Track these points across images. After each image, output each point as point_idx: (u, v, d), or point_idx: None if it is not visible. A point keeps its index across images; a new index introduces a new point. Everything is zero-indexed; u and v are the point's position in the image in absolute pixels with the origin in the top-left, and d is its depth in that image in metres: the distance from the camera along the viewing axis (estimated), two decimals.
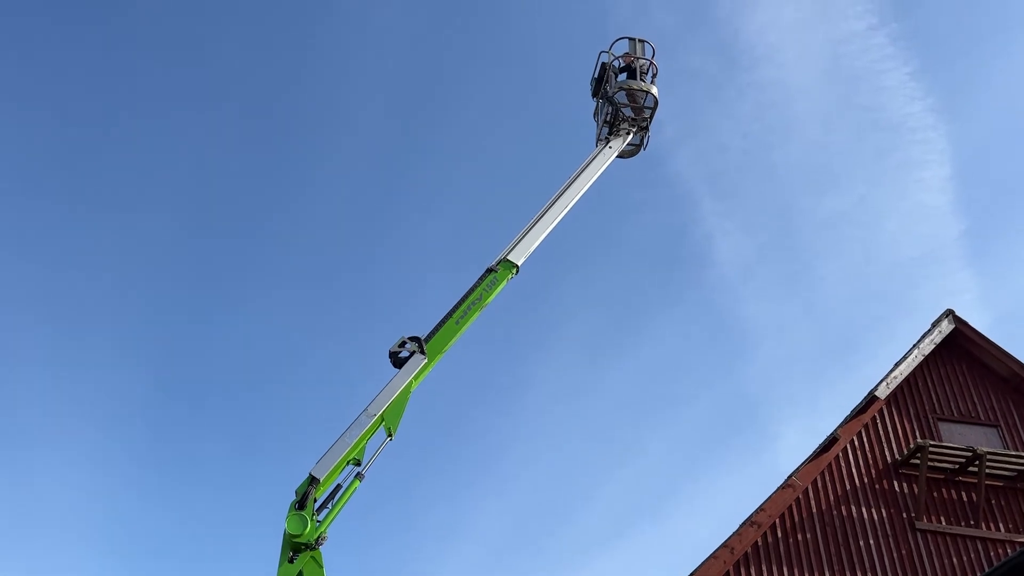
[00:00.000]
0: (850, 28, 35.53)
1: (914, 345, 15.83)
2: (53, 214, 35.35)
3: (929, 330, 16.05)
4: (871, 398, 15.05)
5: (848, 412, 15.06)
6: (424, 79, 38.52)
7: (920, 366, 15.79)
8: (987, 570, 11.52)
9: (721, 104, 38.43)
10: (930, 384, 15.78)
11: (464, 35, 38.34)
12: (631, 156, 15.73)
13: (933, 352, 15.95)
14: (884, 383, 15.20)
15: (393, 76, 38.19)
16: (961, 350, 16.23)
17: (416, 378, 10.92)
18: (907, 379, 15.58)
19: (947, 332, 16.05)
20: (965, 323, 16.15)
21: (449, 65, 38.52)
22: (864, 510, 14.05)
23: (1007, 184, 40.11)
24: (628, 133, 15.20)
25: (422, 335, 11.21)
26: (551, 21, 36.62)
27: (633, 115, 15.43)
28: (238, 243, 38.15)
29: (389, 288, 38.22)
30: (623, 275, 39.60)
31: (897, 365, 15.47)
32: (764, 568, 13.24)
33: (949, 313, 16.21)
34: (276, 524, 9.83)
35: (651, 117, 15.45)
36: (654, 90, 15.39)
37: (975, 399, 15.68)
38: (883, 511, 14.06)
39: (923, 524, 13.91)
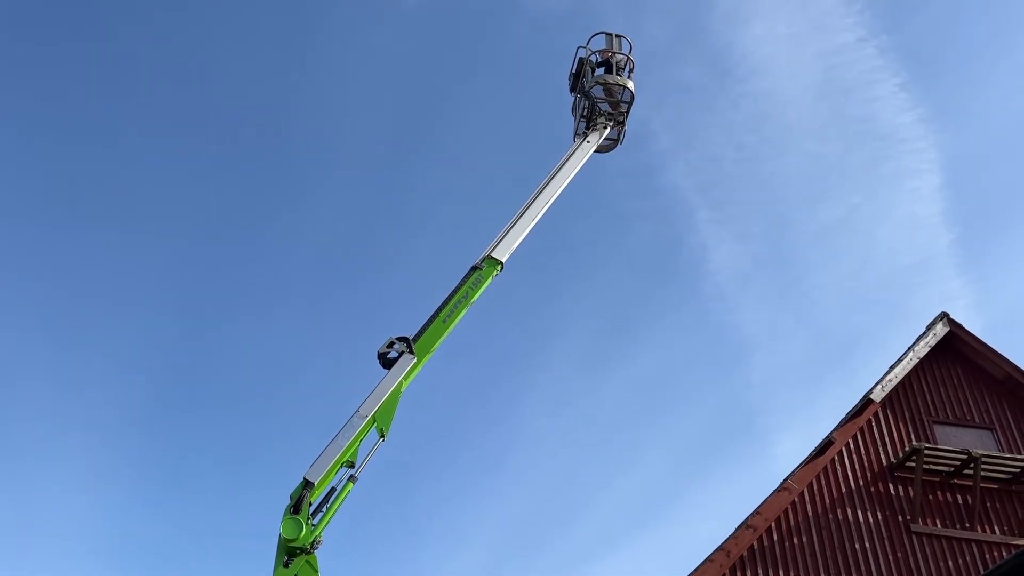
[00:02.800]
0: (841, 40, 35.89)
1: (909, 348, 15.82)
2: (51, 226, 35.39)
3: (924, 333, 16.04)
4: (866, 401, 15.04)
5: (843, 416, 15.05)
6: (419, 93, 38.67)
7: (915, 369, 15.79)
8: (983, 573, 11.51)
9: (715, 115, 38.78)
10: (925, 387, 15.77)
11: (459, 49, 38.56)
12: (609, 151, 15.77)
13: (928, 355, 15.95)
14: (879, 386, 15.19)
15: (389, 86, 38.31)
16: (956, 353, 16.23)
17: (406, 378, 10.94)
18: (902, 382, 15.58)
19: (942, 335, 16.06)
20: (959, 326, 16.16)
21: (444, 79, 38.71)
22: (860, 513, 14.03)
23: (997, 193, 40.47)
24: (605, 127, 15.24)
25: (410, 335, 11.23)
26: (544, 35, 36.75)
27: (610, 109, 15.46)
28: (235, 254, 38.24)
29: (385, 298, 38.22)
30: (619, 284, 39.81)
31: (892, 368, 15.46)
32: (760, 571, 13.21)
33: (944, 316, 16.20)
34: (273, 530, 9.81)
35: (627, 111, 15.48)
36: (630, 84, 15.41)
37: (970, 402, 15.67)
38: (879, 514, 14.05)
39: (919, 527, 13.90)
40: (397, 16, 37.60)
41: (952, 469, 14.43)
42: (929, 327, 16.11)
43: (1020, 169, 39.57)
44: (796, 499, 14.04)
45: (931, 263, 38.06)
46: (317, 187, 38.26)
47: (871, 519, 13.98)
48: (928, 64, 40.28)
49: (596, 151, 15.19)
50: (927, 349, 15.88)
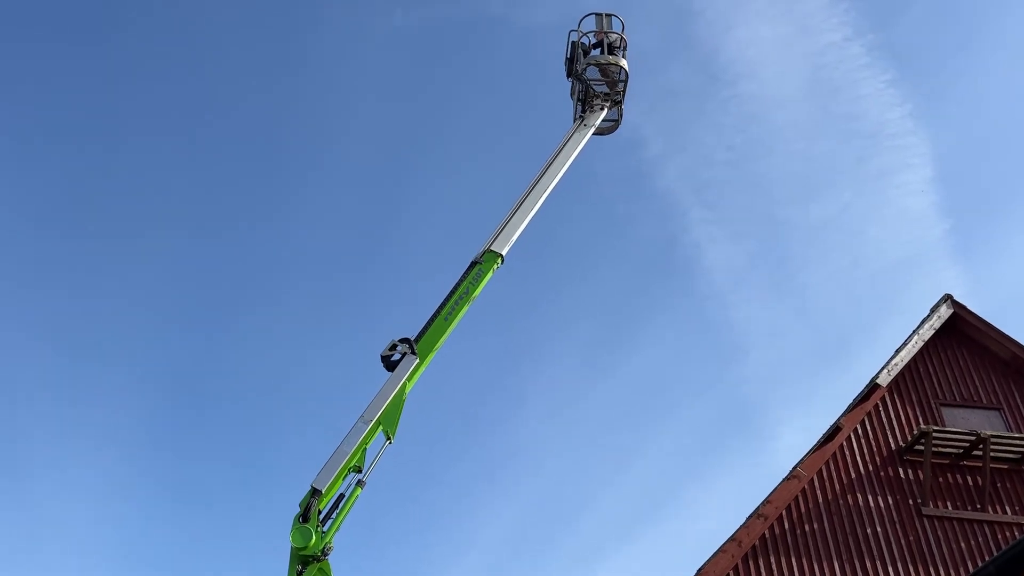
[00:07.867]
0: (827, 40, 36.21)
1: (914, 331, 15.77)
2: (55, 234, 35.54)
3: (928, 315, 15.99)
4: (873, 386, 15.01)
5: (850, 402, 15.02)
6: (413, 101, 38.81)
7: (920, 352, 15.75)
8: (995, 554, 11.50)
9: (705, 118, 39.16)
10: (931, 369, 15.74)
11: (449, 66, 38.78)
12: (609, 133, 15.59)
13: (933, 337, 15.90)
14: (885, 370, 15.16)
15: (388, 80, 38.42)
16: (960, 334, 16.19)
17: (410, 379, 10.85)
18: (908, 365, 15.54)
19: (946, 317, 16.02)
20: (964, 307, 16.11)
21: (440, 84, 38.81)
22: (870, 498, 14.02)
23: (989, 182, 40.76)
24: (602, 109, 15.04)
25: (412, 336, 11.17)
26: (532, 48, 36.88)
27: (607, 90, 15.33)
28: (242, 260, 38.36)
29: (391, 297, 38.33)
30: (616, 285, 40.21)
31: (897, 352, 15.43)
32: (772, 560, 13.22)
33: (948, 298, 16.16)
34: (285, 538, 9.83)
35: (624, 90, 15.33)
36: (624, 63, 15.23)
37: (976, 383, 15.64)
38: (889, 498, 14.04)
39: (929, 510, 13.89)
40: (388, 32, 37.73)
41: (961, 451, 14.41)
42: (933, 309, 16.07)
43: (1011, 157, 39.85)
44: (806, 486, 14.03)
45: (925, 255, 38.36)
46: (319, 190, 38.42)
47: (882, 503, 13.98)
48: (915, 60, 40.81)
49: (596, 133, 15.01)
50: (932, 332, 15.84)
